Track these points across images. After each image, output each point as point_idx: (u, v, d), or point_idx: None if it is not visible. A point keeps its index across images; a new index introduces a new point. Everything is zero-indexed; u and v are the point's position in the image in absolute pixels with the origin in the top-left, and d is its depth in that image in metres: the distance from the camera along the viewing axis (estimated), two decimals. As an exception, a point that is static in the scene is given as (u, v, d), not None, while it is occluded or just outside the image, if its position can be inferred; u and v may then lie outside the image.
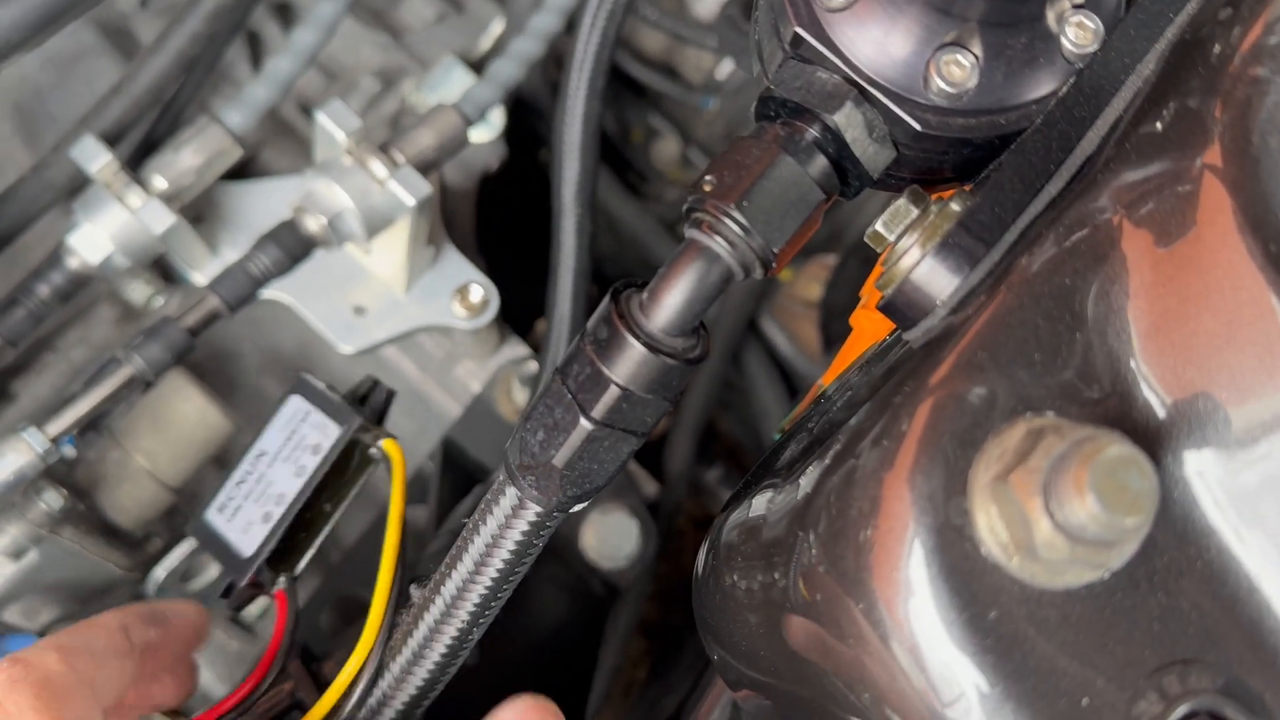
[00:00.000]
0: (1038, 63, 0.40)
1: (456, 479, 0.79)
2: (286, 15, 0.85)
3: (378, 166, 0.69)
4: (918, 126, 0.40)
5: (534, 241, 0.82)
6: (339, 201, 0.69)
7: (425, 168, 0.71)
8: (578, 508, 0.42)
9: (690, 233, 0.39)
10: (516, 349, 0.82)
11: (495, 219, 0.89)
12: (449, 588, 0.44)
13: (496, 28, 0.89)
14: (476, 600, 0.44)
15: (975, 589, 0.34)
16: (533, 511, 0.42)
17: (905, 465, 0.35)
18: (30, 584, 0.65)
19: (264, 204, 0.75)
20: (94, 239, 0.67)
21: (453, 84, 0.83)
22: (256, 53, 0.84)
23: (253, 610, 0.72)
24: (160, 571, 0.68)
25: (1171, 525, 0.35)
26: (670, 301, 0.38)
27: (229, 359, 0.78)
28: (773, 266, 0.39)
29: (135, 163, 0.71)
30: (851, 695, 0.36)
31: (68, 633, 0.44)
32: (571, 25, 0.77)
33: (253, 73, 0.82)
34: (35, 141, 0.76)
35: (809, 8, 0.40)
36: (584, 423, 0.39)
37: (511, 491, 0.42)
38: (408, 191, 0.69)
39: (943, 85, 0.40)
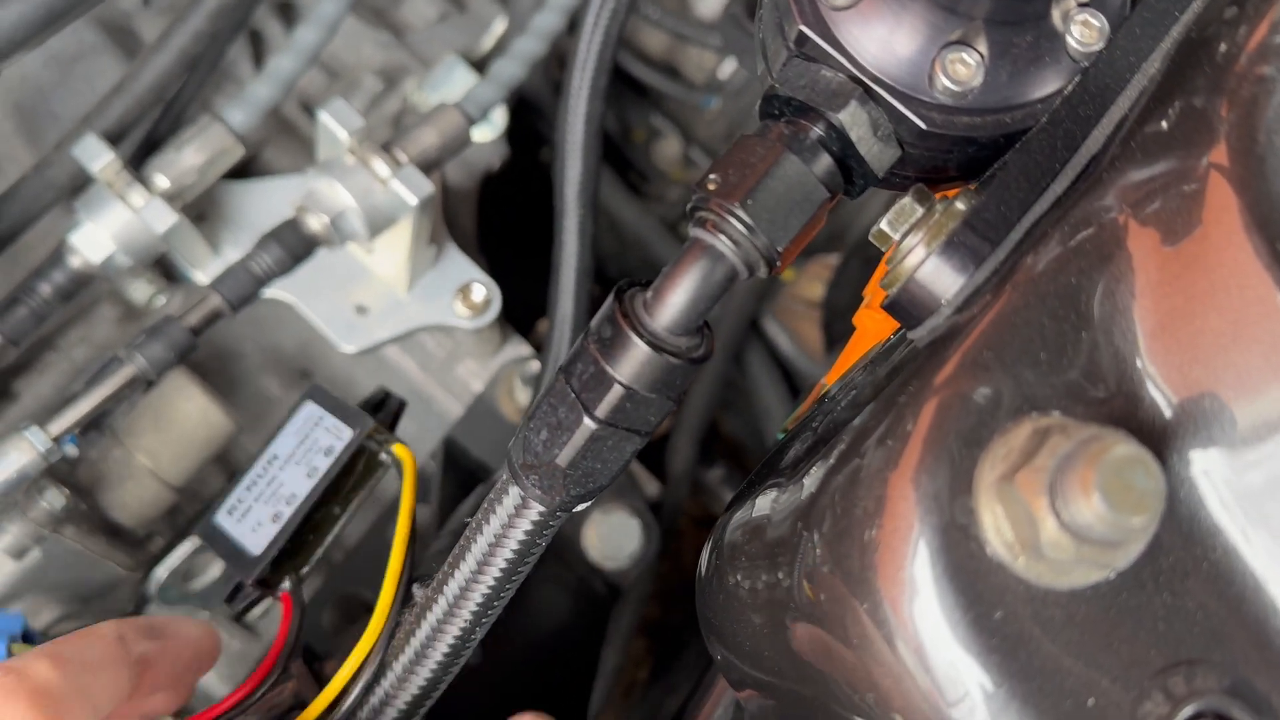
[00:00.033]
0: (1043, 61, 0.40)
1: (458, 479, 0.79)
2: (289, 14, 0.85)
3: (380, 166, 0.69)
4: (923, 125, 0.40)
5: (536, 241, 0.82)
6: (341, 200, 0.69)
7: (427, 167, 0.71)
8: (581, 507, 0.42)
9: (694, 231, 0.39)
10: (518, 348, 0.82)
11: (497, 218, 0.88)
12: (452, 587, 0.44)
13: (499, 27, 0.89)
14: (479, 600, 0.44)
15: (980, 589, 0.34)
16: (536, 511, 0.42)
17: (910, 465, 0.35)
18: (32, 583, 0.65)
19: (266, 203, 0.75)
20: (96, 238, 0.67)
21: (455, 83, 0.83)
22: (259, 51, 0.84)
23: (255, 609, 0.72)
24: (162, 571, 0.68)
25: (1177, 525, 0.34)
26: (674, 300, 0.38)
27: (231, 358, 0.78)
28: (777, 265, 0.39)
29: (137, 161, 0.71)
30: (856, 696, 0.36)
31: (63, 641, 0.43)
32: (574, 24, 0.77)
33: (255, 71, 0.82)
34: (37, 140, 0.75)
35: (814, 6, 0.40)
36: (587, 422, 0.39)
37: (514, 491, 0.42)
38: (410, 191, 0.69)
39: (948, 83, 0.39)
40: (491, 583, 0.44)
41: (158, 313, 0.74)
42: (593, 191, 0.73)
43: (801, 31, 0.40)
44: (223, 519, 0.55)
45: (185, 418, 0.69)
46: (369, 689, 0.48)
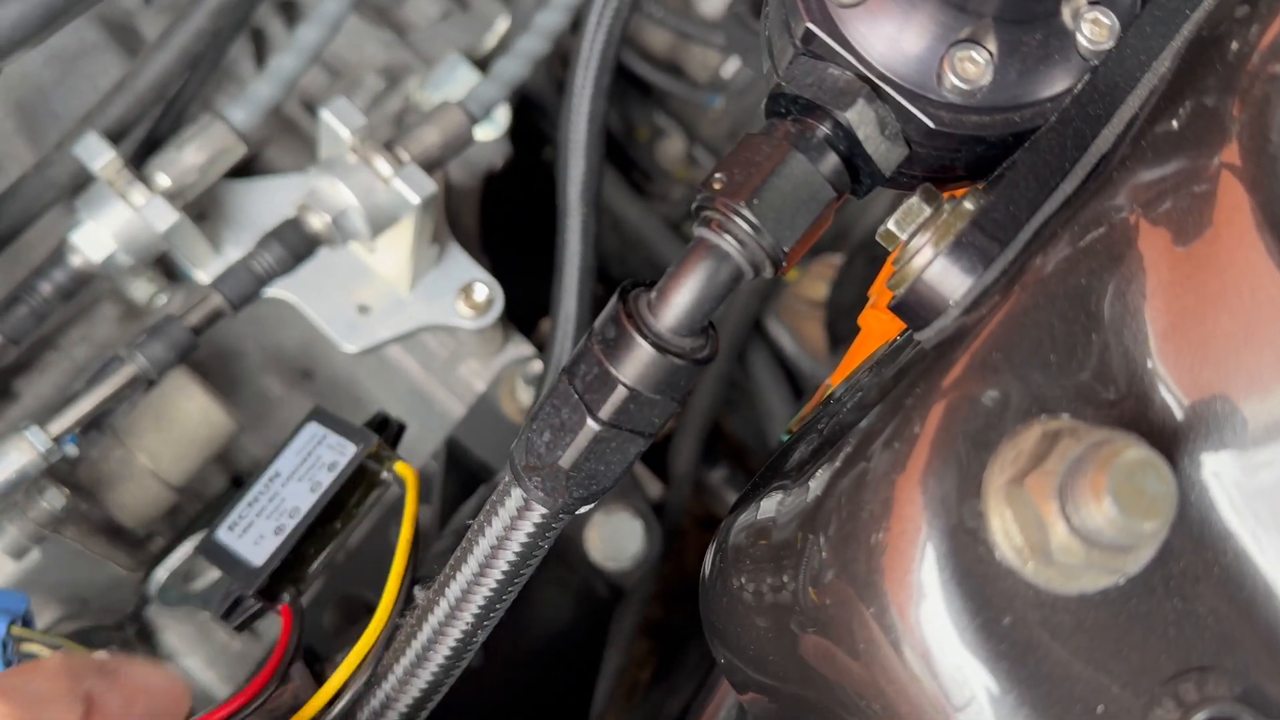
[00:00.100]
0: (1053, 60, 0.40)
1: (460, 479, 0.79)
2: (291, 12, 0.84)
3: (382, 164, 0.68)
4: (931, 124, 0.39)
5: (539, 240, 0.81)
6: (343, 199, 0.68)
7: (430, 166, 0.70)
8: (584, 510, 0.42)
9: (699, 231, 0.38)
10: (521, 348, 0.81)
11: (500, 217, 0.88)
12: (453, 590, 0.44)
13: (502, 25, 0.88)
14: (481, 603, 0.44)
15: (989, 593, 0.33)
16: (539, 513, 0.41)
17: (918, 468, 0.35)
18: (33, 583, 0.65)
19: (268, 202, 0.75)
20: (97, 237, 0.66)
21: (458, 82, 0.82)
22: (261, 50, 0.83)
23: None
24: (162, 571, 0.68)
25: (1188, 529, 0.34)
26: (679, 301, 0.38)
27: (232, 357, 0.78)
28: (783, 265, 0.38)
29: (138, 160, 0.71)
30: (861, 701, 0.36)
31: (11, 673, 0.43)
32: (577, 23, 0.77)
33: (257, 70, 0.81)
34: (38, 139, 0.75)
35: (821, 3, 0.40)
36: (591, 423, 0.39)
37: (517, 493, 0.41)
38: (412, 190, 0.68)
39: (956, 82, 0.39)
40: (494, 586, 0.43)
41: (159, 312, 0.74)
42: (596, 190, 0.73)
43: (808, 29, 0.40)
44: (224, 535, 0.56)
45: (186, 417, 0.68)
46: (369, 692, 0.47)
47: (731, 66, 0.99)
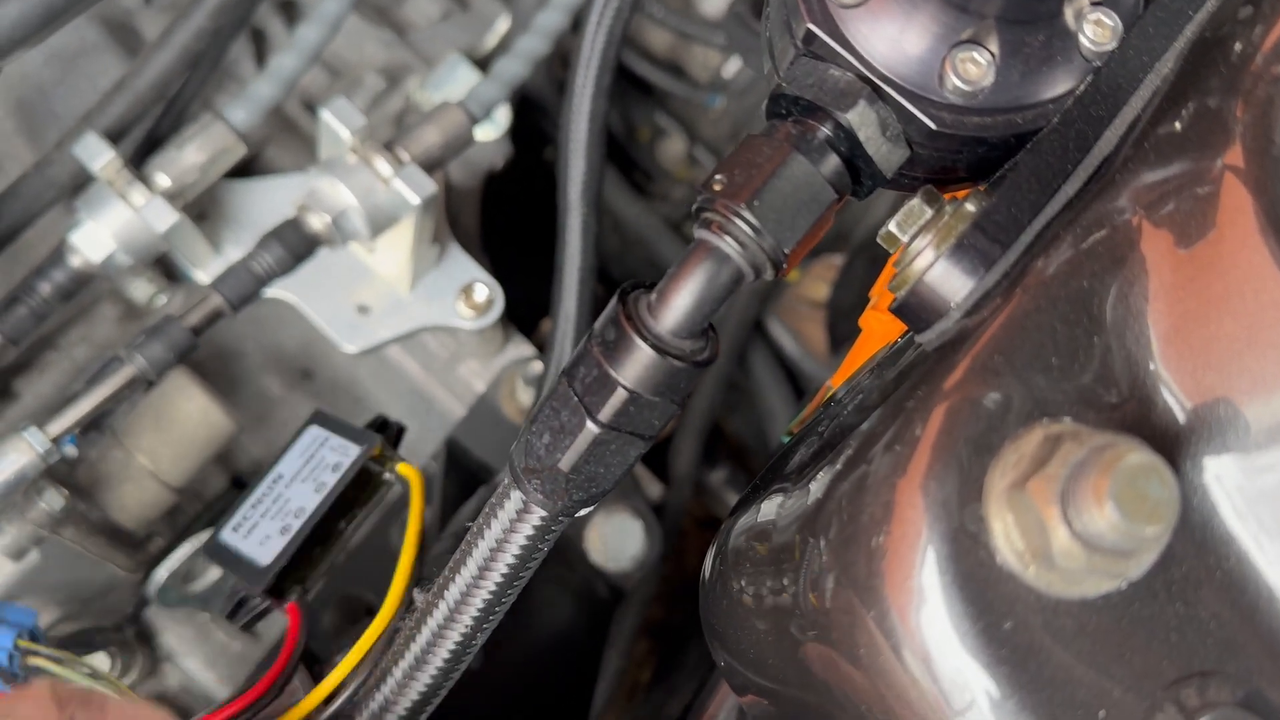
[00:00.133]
0: (1055, 61, 0.40)
1: (460, 480, 0.79)
2: (291, 12, 0.84)
3: (382, 165, 0.68)
4: (932, 125, 0.39)
5: (539, 240, 0.81)
6: (343, 200, 0.68)
7: (430, 166, 0.70)
8: (584, 512, 0.42)
9: (699, 233, 0.38)
10: (521, 349, 0.81)
11: (500, 217, 0.88)
12: (453, 592, 0.44)
13: (502, 25, 0.88)
14: (480, 605, 0.44)
15: (990, 598, 0.33)
16: (538, 515, 0.41)
17: (919, 471, 0.35)
18: (31, 584, 0.65)
19: (268, 202, 0.74)
20: (96, 237, 0.66)
21: (458, 82, 0.82)
22: (261, 49, 0.83)
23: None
24: (162, 572, 0.68)
25: (1190, 534, 0.34)
26: (679, 303, 0.37)
27: (232, 358, 0.78)
28: (783, 267, 0.38)
29: (138, 160, 0.71)
30: (862, 705, 0.36)
31: None
32: (578, 23, 0.77)
33: (257, 70, 0.81)
34: (38, 138, 0.75)
35: (822, 4, 0.40)
36: (590, 426, 0.39)
37: (516, 495, 0.41)
38: (412, 190, 0.68)
39: (958, 83, 0.39)
40: (493, 588, 0.43)
41: (159, 312, 0.74)
42: (596, 190, 0.73)
43: (809, 30, 0.40)
44: (228, 536, 0.56)
45: (186, 418, 0.68)
46: (368, 694, 0.47)
47: (732, 66, 0.99)
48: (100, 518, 0.66)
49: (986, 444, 0.34)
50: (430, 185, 0.69)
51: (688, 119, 1.06)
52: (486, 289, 0.76)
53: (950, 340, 0.37)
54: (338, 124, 0.68)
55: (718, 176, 0.38)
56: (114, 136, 0.68)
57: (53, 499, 0.62)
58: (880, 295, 0.52)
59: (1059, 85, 0.40)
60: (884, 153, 0.39)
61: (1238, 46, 0.37)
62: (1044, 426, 0.32)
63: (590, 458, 0.39)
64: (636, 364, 0.38)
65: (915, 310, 0.38)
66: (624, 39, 0.72)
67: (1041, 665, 0.33)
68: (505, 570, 0.43)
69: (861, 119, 0.39)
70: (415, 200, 0.68)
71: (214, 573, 0.69)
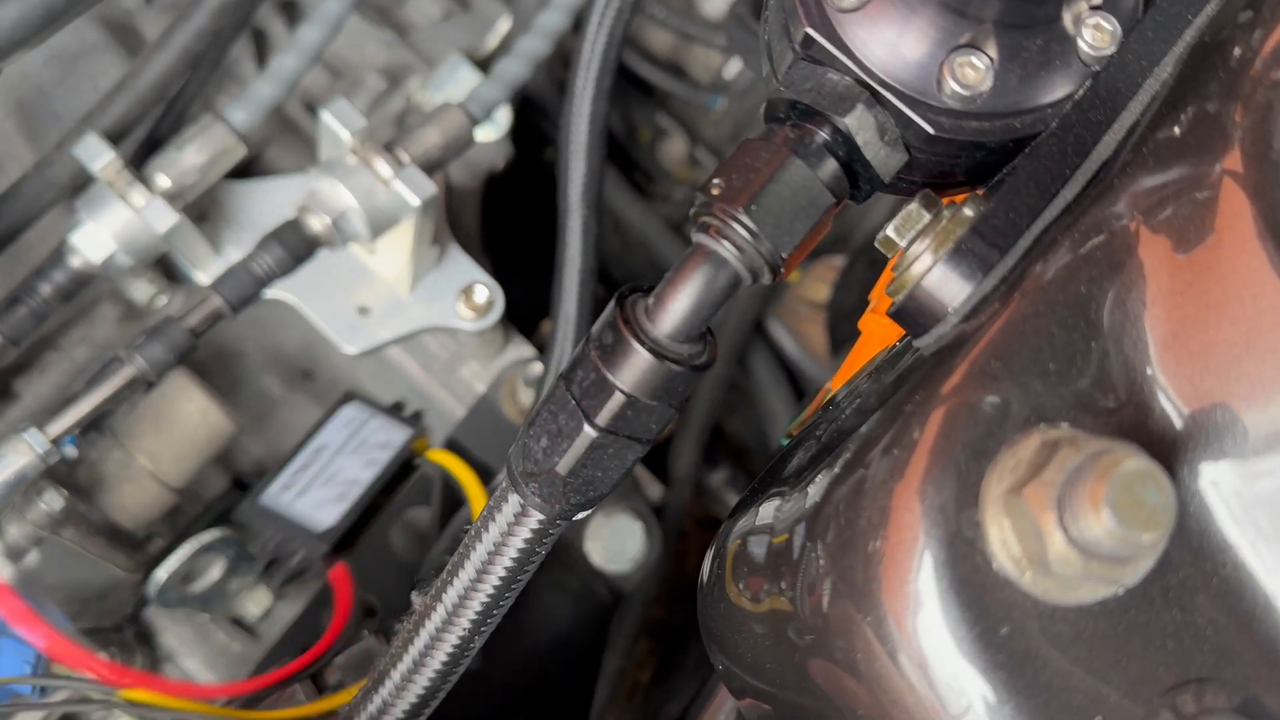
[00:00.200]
0: (1054, 65, 0.39)
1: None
2: (292, 12, 0.84)
3: (382, 166, 0.68)
4: (930, 130, 0.39)
5: (540, 241, 0.81)
6: (343, 201, 0.68)
7: (430, 167, 0.70)
8: (581, 516, 0.42)
9: (697, 237, 0.38)
10: (521, 350, 0.81)
11: (501, 218, 0.88)
12: (450, 595, 0.44)
13: (503, 26, 0.88)
14: (478, 608, 0.44)
15: (986, 603, 0.33)
16: (535, 519, 0.41)
17: (916, 475, 0.35)
18: (31, 585, 0.65)
19: (268, 203, 0.75)
20: (97, 237, 0.66)
21: (459, 82, 0.82)
22: (262, 50, 0.83)
23: (254, 611, 0.72)
24: (162, 573, 0.67)
25: (1187, 540, 0.34)
26: (677, 307, 0.37)
27: (232, 358, 0.78)
28: (781, 271, 0.38)
29: (139, 161, 0.71)
30: (858, 710, 0.36)
31: None
32: (579, 24, 0.77)
33: (258, 70, 0.81)
34: (38, 139, 0.75)
35: (820, 8, 0.40)
36: (588, 430, 0.39)
37: (514, 499, 0.41)
38: (412, 191, 0.68)
39: (956, 88, 0.39)
40: (491, 591, 0.43)
41: (159, 313, 0.74)
42: (596, 192, 0.73)
43: (808, 34, 0.40)
44: (275, 497, 0.59)
45: (186, 419, 0.68)
46: (367, 697, 0.47)
47: (733, 68, 0.99)
48: (100, 518, 0.66)
49: (984, 449, 0.34)
50: (430, 186, 0.69)
51: (689, 120, 1.05)
52: (487, 290, 0.76)
53: (948, 345, 0.37)
54: (338, 125, 0.68)
55: (715, 180, 0.38)
56: (114, 137, 0.68)
57: (53, 499, 0.62)
58: (879, 299, 0.52)
59: (1057, 90, 0.40)
60: (882, 157, 0.39)
61: (1237, 51, 0.37)
62: (1041, 432, 0.32)
63: (588, 461, 0.39)
64: (634, 368, 0.38)
65: (913, 315, 0.38)
66: (625, 40, 0.72)
67: (1038, 671, 0.33)
68: (503, 573, 0.43)
69: (859, 123, 0.39)
70: (415, 201, 0.68)
71: (215, 572, 0.69)
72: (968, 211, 0.38)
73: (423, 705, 0.47)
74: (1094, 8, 0.40)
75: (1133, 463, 0.30)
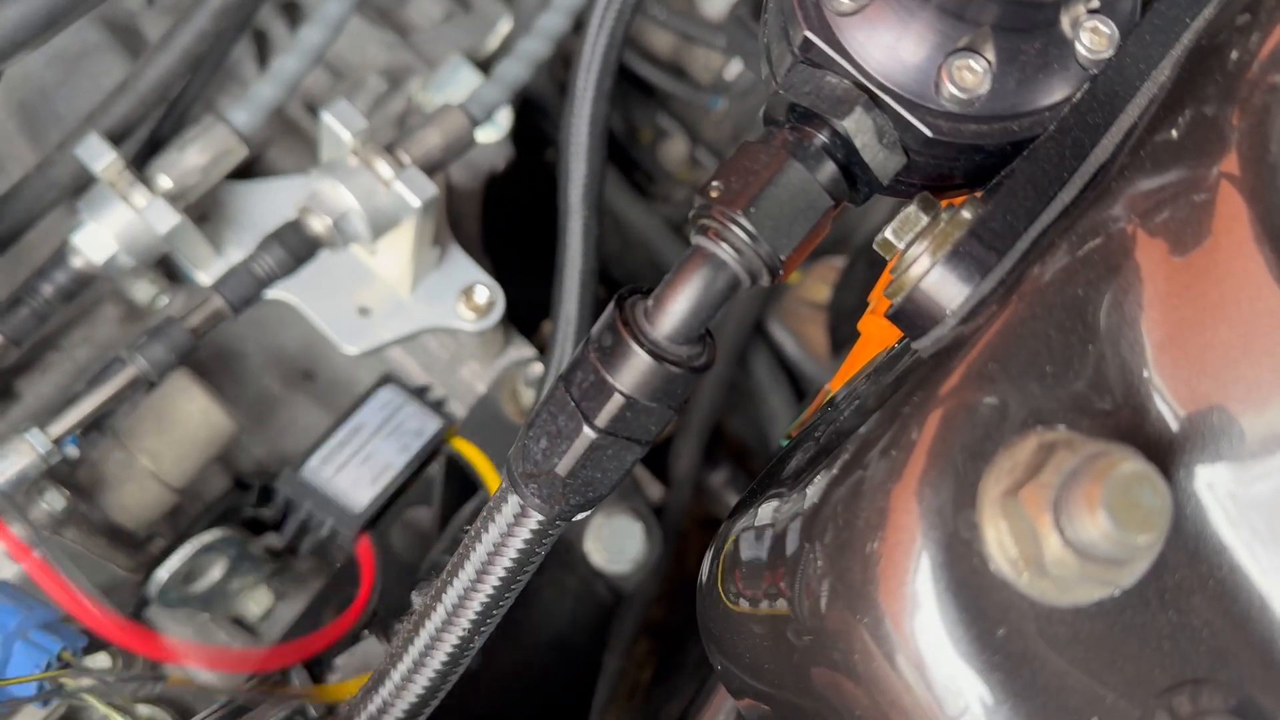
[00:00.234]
0: (1051, 69, 0.40)
1: (461, 481, 0.79)
2: (293, 13, 0.84)
3: (383, 167, 0.68)
4: (929, 133, 0.39)
5: (540, 242, 0.81)
6: (344, 202, 0.68)
7: (431, 168, 0.70)
8: (581, 516, 0.42)
9: (696, 239, 0.38)
10: (522, 350, 0.81)
11: (501, 219, 0.88)
12: (450, 595, 0.44)
13: (504, 27, 0.88)
14: (478, 609, 0.44)
15: (983, 605, 0.33)
16: (535, 520, 0.41)
17: (914, 477, 0.35)
18: (33, 585, 0.65)
19: (269, 204, 0.75)
20: (98, 238, 0.67)
21: (460, 83, 0.82)
22: (263, 51, 0.83)
23: (255, 611, 0.72)
24: (163, 573, 0.68)
25: (1183, 542, 0.34)
26: (676, 309, 0.38)
27: (233, 359, 0.78)
28: (780, 274, 0.38)
29: (140, 161, 0.71)
30: (856, 710, 0.36)
31: None
32: (579, 25, 0.77)
33: (259, 71, 0.81)
34: (40, 139, 0.75)
35: (819, 11, 0.40)
36: (587, 431, 0.39)
37: (514, 499, 0.41)
38: (413, 192, 0.68)
39: (955, 91, 0.39)
40: (490, 591, 0.43)
41: (160, 313, 0.74)
42: (597, 193, 0.73)
43: (806, 37, 0.40)
44: (315, 469, 0.64)
45: (187, 419, 0.68)
46: (367, 697, 0.47)
47: (734, 68, 0.99)
48: (101, 518, 0.66)
49: (981, 450, 0.34)
50: (431, 187, 0.69)
51: (690, 121, 1.06)
52: (487, 291, 0.76)
53: (946, 347, 0.37)
54: (339, 126, 0.68)
55: (714, 183, 0.38)
56: (116, 138, 0.68)
57: (54, 499, 0.62)
58: (878, 300, 0.52)
59: (1055, 93, 0.40)
60: (880, 160, 0.40)
61: (1234, 54, 0.37)
62: (1038, 434, 0.33)
63: (587, 462, 0.40)
64: (633, 370, 0.38)
65: (911, 317, 0.38)
66: (625, 41, 0.72)
67: (1035, 672, 0.33)
68: (502, 574, 0.43)
69: (858, 126, 0.39)
70: (416, 202, 0.69)
71: (216, 572, 0.70)
72: (966, 214, 0.38)
73: (423, 705, 0.47)
74: (1092, 11, 0.40)
75: (1129, 465, 0.30)
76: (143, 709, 0.62)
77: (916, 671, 0.34)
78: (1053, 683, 0.33)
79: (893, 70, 0.39)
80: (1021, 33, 0.39)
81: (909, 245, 0.39)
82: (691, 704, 0.62)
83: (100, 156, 0.66)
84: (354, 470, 0.64)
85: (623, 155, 1.07)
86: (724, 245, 0.38)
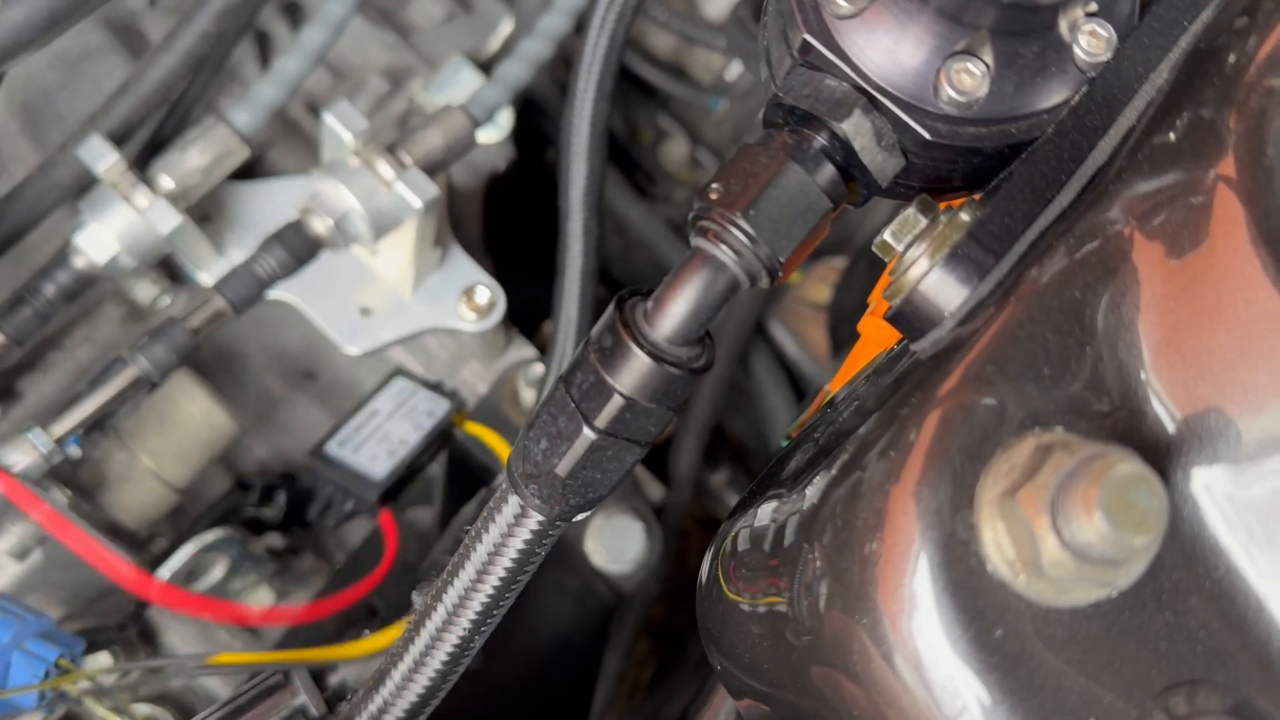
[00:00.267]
0: (1049, 71, 0.40)
1: (461, 481, 0.79)
2: (295, 14, 0.84)
3: (385, 168, 0.69)
4: (927, 135, 0.39)
5: (541, 242, 0.82)
6: (345, 203, 0.68)
7: (432, 169, 0.70)
8: (580, 517, 0.42)
9: (696, 241, 0.39)
10: (523, 351, 0.81)
11: (502, 220, 0.88)
12: (450, 596, 0.44)
13: (505, 28, 0.88)
14: (478, 609, 0.44)
15: (981, 605, 0.33)
16: (535, 520, 0.42)
17: (912, 478, 0.35)
18: (35, 584, 0.65)
19: (271, 204, 0.75)
20: (100, 238, 0.67)
21: (461, 84, 0.83)
22: (265, 52, 0.84)
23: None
24: (165, 572, 0.68)
25: (1180, 544, 0.34)
26: (675, 310, 0.38)
27: (235, 359, 0.78)
28: (779, 275, 0.39)
29: (142, 162, 0.71)
30: (854, 711, 0.36)
31: None
32: (580, 26, 0.77)
33: (261, 72, 0.82)
34: (42, 140, 0.76)
35: (818, 14, 0.40)
36: (587, 432, 0.39)
37: (514, 500, 0.42)
38: (414, 193, 0.69)
39: (953, 94, 0.39)
40: (490, 592, 0.43)
41: (162, 313, 0.74)
42: (598, 194, 0.73)
43: (805, 40, 0.40)
44: (335, 449, 0.69)
45: (189, 419, 0.69)
46: (367, 697, 0.48)
47: (735, 69, 0.99)
48: (103, 518, 0.67)
49: (979, 452, 0.34)
50: (432, 188, 0.69)
51: (690, 121, 1.06)
52: (488, 291, 0.77)
53: (944, 349, 0.37)
54: (340, 127, 0.68)
55: (714, 185, 0.38)
56: (118, 139, 0.69)
57: (56, 499, 0.62)
58: (878, 302, 0.52)
59: (1053, 96, 0.40)
60: (879, 162, 0.40)
61: (1232, 57, 0.37)
62: (1035, 435, 0.33)
63: (587, 463, 0.40)
64: (633, 371, 0.38)
65: (910, 319, 0.39)
66: (626, 43, 0.72)
67: (1032, 672, 0.33)
68: (503, 574, 0.43)
69: (857, 129, 0.39)
70: (417, 203, 0.69)
71: (218, 572, 0.70)
72: (964, 216, 0.38)
73: (423, 705, 0.47)
74: (1090, 14, 0.40)
75: (1126, 467, 0.30)
76: (143, 709, 0.63)
77: (914, 671, 0.34)
78: (1050, 683, 0.33)
79: (891, 73, 0.39)
80: (1019, 36, 0.39)
81: (907, 247, 0.39)
82: (691, 704, 0.62)
83: (102, 157, 0.66)
84: (372, 447, 0.68)
85: (624, 156, 1.07)
86: (723, 247, 0.38)
